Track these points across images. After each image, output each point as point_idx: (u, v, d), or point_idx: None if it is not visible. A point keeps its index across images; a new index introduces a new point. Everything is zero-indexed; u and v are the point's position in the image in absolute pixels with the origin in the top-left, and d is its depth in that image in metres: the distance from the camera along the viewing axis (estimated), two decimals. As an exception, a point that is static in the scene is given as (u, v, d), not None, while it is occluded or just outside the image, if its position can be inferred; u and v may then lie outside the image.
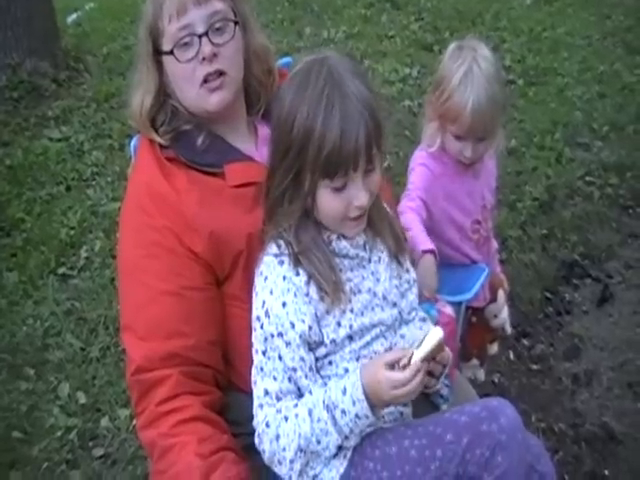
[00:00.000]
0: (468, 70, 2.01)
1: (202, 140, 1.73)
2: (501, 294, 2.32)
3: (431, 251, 1.90)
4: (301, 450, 1.49)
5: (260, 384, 1.52)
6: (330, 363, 1.56)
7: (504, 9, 6.50)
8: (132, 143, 1.96)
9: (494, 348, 2.55)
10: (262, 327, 1.51)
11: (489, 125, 2.06)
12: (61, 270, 3.64)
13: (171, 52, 1.68)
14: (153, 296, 1.65)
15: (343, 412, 1.47)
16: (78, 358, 3.13)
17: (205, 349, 1.65)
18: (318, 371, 1.55)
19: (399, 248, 1.67)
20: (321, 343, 1.53)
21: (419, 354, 1.46)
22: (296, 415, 1.49)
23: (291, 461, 1.50)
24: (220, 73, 1.69)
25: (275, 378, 1.51)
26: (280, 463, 1.51)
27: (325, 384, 1.53)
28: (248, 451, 1.60)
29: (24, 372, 3.08)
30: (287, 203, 1.52)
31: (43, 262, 3.67)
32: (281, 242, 1.54)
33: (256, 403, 1.53)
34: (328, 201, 1.49)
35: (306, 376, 1.52)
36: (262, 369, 1.52)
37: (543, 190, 4.10)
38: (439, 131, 2.11)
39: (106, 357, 3.12)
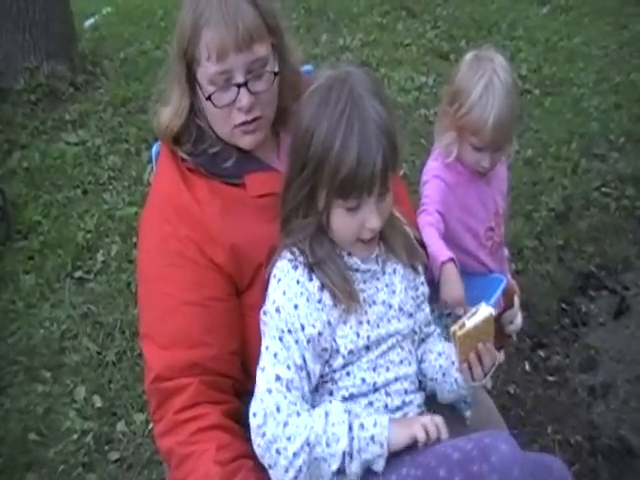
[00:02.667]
0: (489, 82, 2.00)
1: (225, 157, 1.72)
2: (516, 300, 2.32)
3: (450, 259, 1.90)
4: (308, 445, 1.43)
5: (271, 370, 1.48)
6: (348, 374, 1.56)
7: (520, 18, 6.49)
8: (153, 149, 1.96)
9: (501, 356, 2.55)
10: (273, 320, 1.51)
11: (508, 136, 2.07)
12: (78, 273, 3.66)
13: (208, 98, 1.64)
14: (175, 306, 1.65)
15: (362, 426, 1.46)
16: (94, 362, 3.15)
17: (226, 359, 1.65)
18: (336, 382, 1.56)
19: (414, 257, 1.68)
20: (337, 352, 1.54)
21: (471, 323, 1.52)
22: (310, 414, 1.47)
23: (294, 454, 1.43)
24: (256, 118, 1.68)
25: (289, 367, 1.48)
26: (279, 453, 1.44)
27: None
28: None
29: (41, 375, 3.11)
30: (302, 216, 1.54)
31: (60, 265, 3.69)
32: (295, 249, 1.55)
33: (263, 388, 1.48)
34: (341, 221, 1.50)
35: (305, 383, 1.51)
36: (276, 355, 1.49)
37: (559, 201, 4.09)
38: (457, 142, 2.10)
39: (122, 361, 3.13)
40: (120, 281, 3.56)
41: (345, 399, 1.55)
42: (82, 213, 4.07)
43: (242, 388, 1.69)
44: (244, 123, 1.67)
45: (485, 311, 1.55)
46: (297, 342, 1.49)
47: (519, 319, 2.33)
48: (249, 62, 1.62)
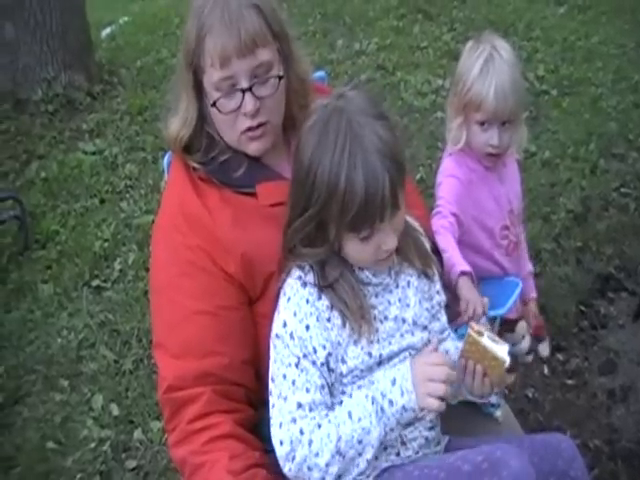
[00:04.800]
0: (488, 57, 2.02)
1: (236, 165, 1.72)
2: (522, 325, 2.30)
3: (468, 273, 1.88)
4: (340, 453, 1.47)
5: (292, 398, 1.50)
6: (359, 388, 1.54)
7: (537, 18, 6.44)
8: (165, 159, 1.96)
9: (510, 377, 2.54)
10: (288, 347, 1.51)
11: (513, 108, 2.04)
12: (95, 282, 3.68)
13: (213, 104, 1.65)
14: (188, 315, 1.65)
15: (391, 402, 1.48)
16: (111, 370, 3.16)
17: (239, 368, 1.65)
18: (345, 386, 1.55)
19: (427, 264, 1.66)
20: (348, 369, 1.53)
21: (487, 342, 1.52)
22: (329, 421, 1.48)
23: (327, 464, 1.47)
24: (262, 124, 1.68)
25: (308, 390, 1.50)
26: (310, 469, 1.48)
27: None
28: (280, 467, 1.57)
29: (58, 383, 3.13)
30: (311, 247, 1.52)
31: (77, 274, 3.71)
32: (305, 266, 1.54)
33: (288, 418, 1.50)
34: (356, 250, 1.50)
35: (338, 389, 1.53)
36: (294, 382, 1.50)
37: (577, 202, 4.05)
38: (463, 126, 2.10)
39: (139, 369, 3.14)
40: (137, 289, 3.57)
41: None
42: (99, 222, 4.09)
43: (255, 396, 1.69)
44: (250, 129, 1.67)
45: (502, 352, 1.52)
46: (314, 364, 1.50)
47: (525, 344, 2.31)
48: (253, 67, 1.62)
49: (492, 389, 1.59)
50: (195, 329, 1.64)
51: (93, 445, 2.83)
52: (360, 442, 1.47)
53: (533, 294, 2.45)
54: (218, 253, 1.65)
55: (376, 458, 1.52)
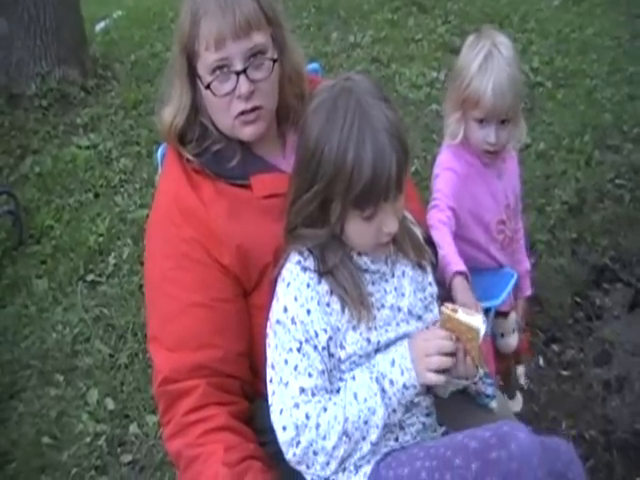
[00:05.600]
0: (488, 54, 2.03)
1: (230, 155, 1.72)
2: (513, 317, 2.31)
3: (462, 273, 1.88)
4: (346, 435, 1.48)
5: (294, 383, 1.50)
6: (361, 372, 1.55)
7: (532, 10, 6.44)
8: (159, 152, 1.96)
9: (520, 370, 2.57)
10: (289, 332, 1.51)
11: (511, 106, 2.05)
12: (90, 277, 3.67)
13: (208, 87, 1.65)
14: (182, 308, 1.65)
15: (391, 382, 1.50)
16: (107, 364, 3.16)
17: (234, 361, 1.65)
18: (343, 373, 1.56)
19: (421, 256, 1.66)
20: (346, 355, 1.53)
21: (462, 316, 1.51)
22: (335, 403, 1.50)
23: (333, 447, 1.48)
24: (256, 107, 1.67)
25: (310, 375, 1.50)
26: (316, 454, 1.49)
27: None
28: (275, 459, 1.59)
29: (54, 378, 3.12)
30: (313, 226, 1.52)
31: (72, 269, 3.71)
32: (304, 251, 1.54)
33: (290, 403, 1.50)
34: (358, 229, 1.50)
35: (335, 376, 1.54)
36: (296, 367, 1.50)
37: (572, 193, 4.05)
38: (461, 121, 2.10)
39: (134, 364, 3.14)
40: (132, 283, 3.57)
41: None
42: (94, 217, 4.09)
43: (250, 389, 1.69)
44: (244, 112, 1.66)
45: (477, 321, 1.52)
46: (315, 348, 1.50)
47: (513, 339, 2.32)
48: (247, 49, 1.62)
49: (476, 368, 1.59)
50: (190, 322, 1.64)
51: (88, 440, 2.82)
52: (366, 423, 1.49)
53: (528, 292, 2.45)
54: (213, 245, 1.65)
55: (376, 443, 1.53)
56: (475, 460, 1.41)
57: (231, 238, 1.64)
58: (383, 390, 1.50)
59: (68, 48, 5.28)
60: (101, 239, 3.89)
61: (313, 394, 1.50)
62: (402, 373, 1.50)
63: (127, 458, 2.75)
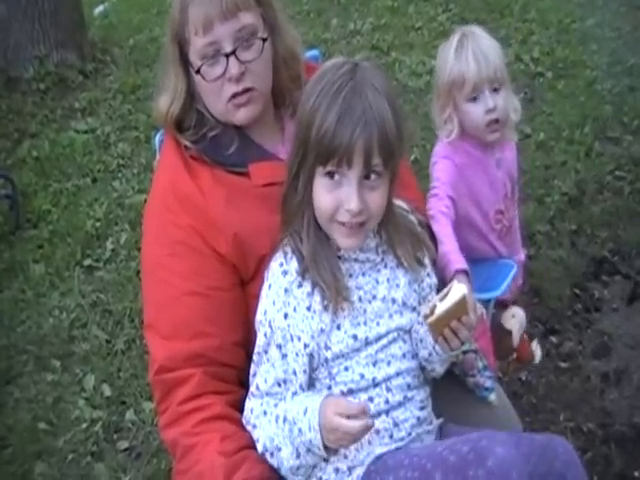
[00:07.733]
0: (460, 39, 2.04)
1: (227, 141, 1.71)
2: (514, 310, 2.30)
3: (463, 271, 1.86)
4: (265, 449, 1.52)
5: (255, 379, 1.57)
6: (346, 369, 1.54)
7: (532, 0, 6.41)
8: (157, 138, 1.94)
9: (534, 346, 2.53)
10: (265, 335, 1.53)
11: (497, 68, 2.03)
12: (87, 262, 3.66)
13: (198, 71, 1.64)
14: (178, 296, 1.64)
15: (300, 431, 1.45)
16: (103, 350, 3.15)
17: (230, 350, 1.64)
18: (334, 377, 1.54)
19: (419, 250, 1.64)
20: (333, 354, 1.52)
21: (442, 307, 1.47)
22: (271, 413, 1.52)
23: (262, 454, 1.53)
24: (248, 89, 1.66)
25: (266, 381, 1.54)
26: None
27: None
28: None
29: (50, 364, 3.12)
30: (293, 196, 1.51)
31: (69, 254, 3.70)
32: (288, 250, 1.53)
33: (249, 392, 1.58)
34: (321, 193, 1.47)
35: (295, 391, 1.53)
36: (259, 366, 1.55)
37: (572, 185, 4.03)
38: (454, 116, 2.08)
39: (131, 350, 3.13)
40: (129, 269, 3.56)
41: (344, 394, 1.53)
42: (91, 201, 4.08)
43: (247, 378, 1.66)
44: (235, 95, 1.65)
45: (458, 293, 1.48)
46: (284, 357, 1.52)
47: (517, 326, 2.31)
48: (235, 30, 1.62)
49: (461, 342, 1.55)
50: (185, 310, 1.63)
51: (85, 426, 2.82)
52: (279, 450, 1.50)
53: (519, 282, 2.44)
54: (210, 233, 1.64)
55: (370, 442, 1.51)
56: (454, 476, 1.38)
57: (228, 226, 1.63)
58: (291, 432, 1.47)
59: (66, 32, 5.25)
60: (98, 224, 3.88)
61: (267, 394, 1.54)
62: (310, 429, 1.43)
63: (123, 445, 2.75)
